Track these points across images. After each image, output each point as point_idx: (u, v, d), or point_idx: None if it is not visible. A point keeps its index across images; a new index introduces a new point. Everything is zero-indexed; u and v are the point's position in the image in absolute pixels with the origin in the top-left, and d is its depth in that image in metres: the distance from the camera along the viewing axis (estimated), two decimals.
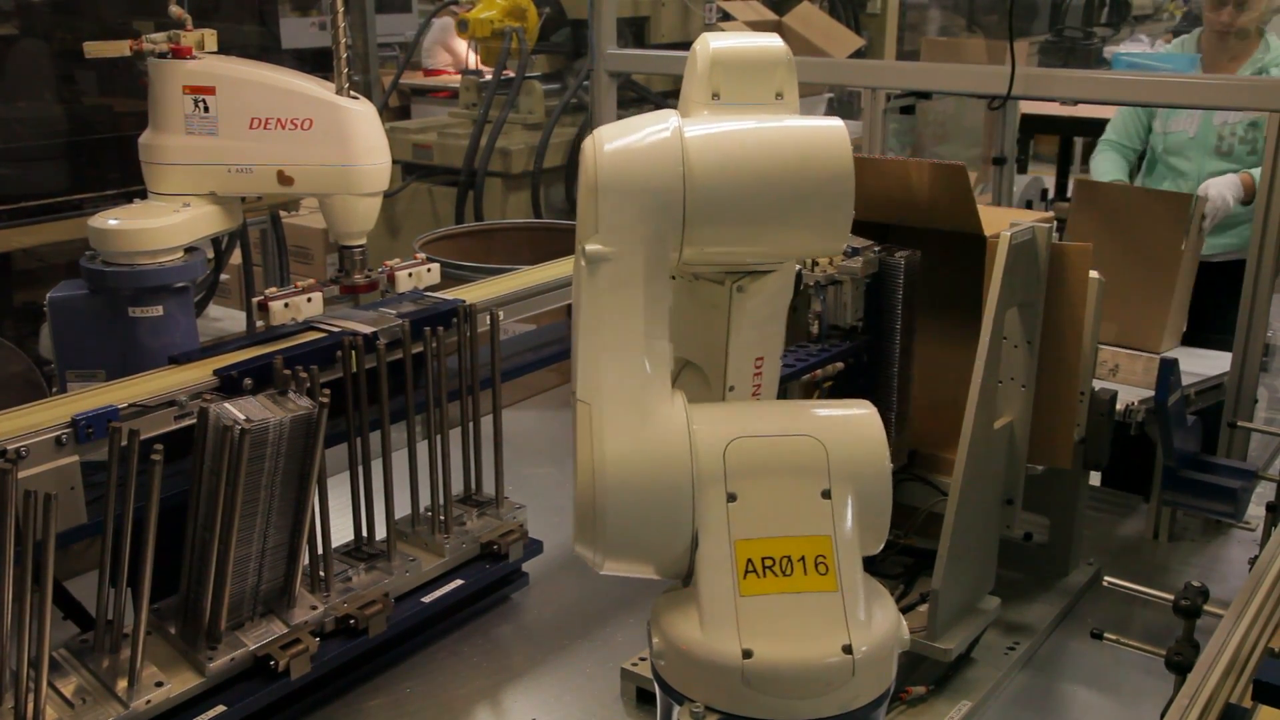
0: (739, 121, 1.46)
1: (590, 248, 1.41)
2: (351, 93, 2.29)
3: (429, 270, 2.32)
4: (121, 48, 2.35)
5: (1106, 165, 4.07)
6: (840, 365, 1.96)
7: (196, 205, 2.30)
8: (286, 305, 2.07)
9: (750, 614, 1.40)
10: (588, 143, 1.44)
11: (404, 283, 2.28)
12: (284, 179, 2.26)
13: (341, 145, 2.26)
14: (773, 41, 1.53)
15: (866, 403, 1.48)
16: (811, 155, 1.43)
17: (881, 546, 1.48)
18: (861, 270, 1.97)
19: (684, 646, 1.42)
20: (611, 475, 1.40)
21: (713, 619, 1.41)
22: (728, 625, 1.39)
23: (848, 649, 1.38)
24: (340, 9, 2.29)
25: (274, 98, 2.26)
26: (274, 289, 2.10)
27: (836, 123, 1.47)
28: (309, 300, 2.11)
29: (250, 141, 2.26)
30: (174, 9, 2.37)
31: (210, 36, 2.37)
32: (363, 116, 2.29)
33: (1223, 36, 3.88)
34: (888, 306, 2.01)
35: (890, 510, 1.45)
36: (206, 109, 2.25)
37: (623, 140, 1.42)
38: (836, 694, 1.39)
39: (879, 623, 1.42)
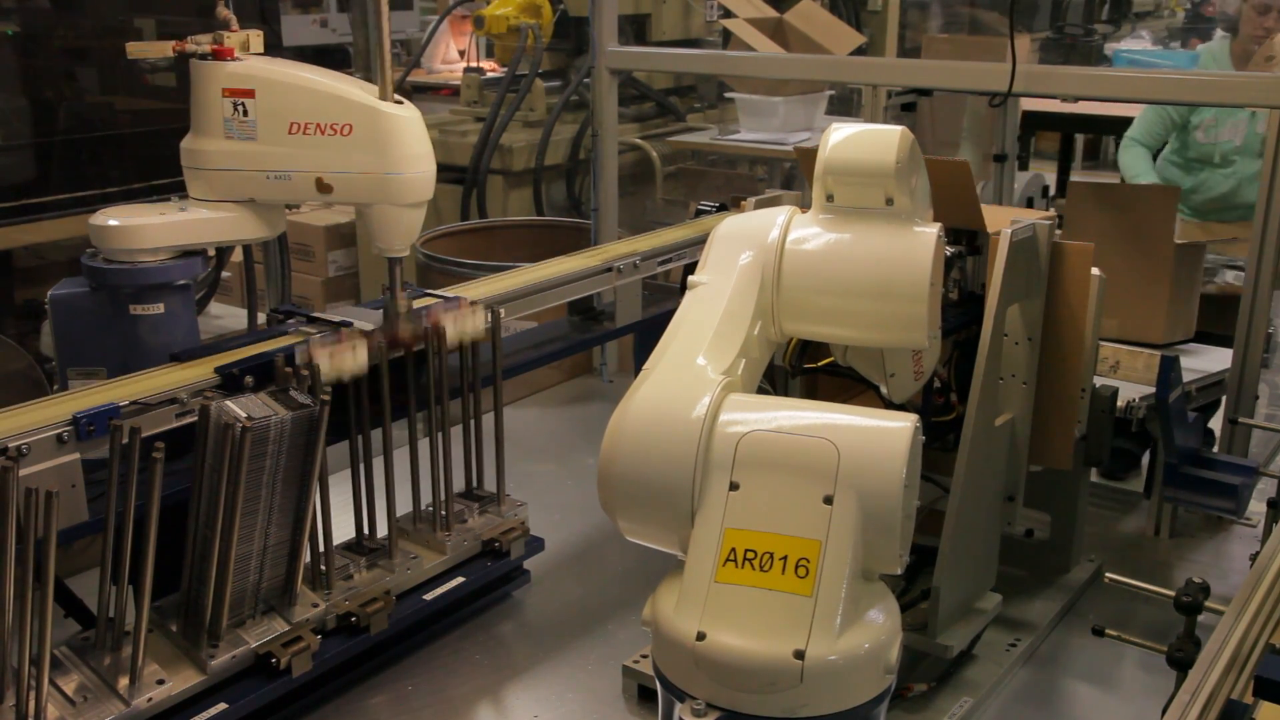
0: (834, 233, 1.66)
1: (692, 278, 1.70)
2: (396, 97, 2.19)
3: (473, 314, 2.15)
4: (164, 48, 2.26)
5: (1142, 164, 4.28)
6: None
7: (230, 210, 2.21)
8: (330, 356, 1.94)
9: (718, 600, 1.42)
10: None
11: (451, 333, 2.11)
12: (323, 186, 2.14)
13: (382, 152, 2.14)
14: (884, 153, 1.63)
15: (911, 416, 1.47)
16: (890, 273, 1.61)
17: (900, 567, 1.45)
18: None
19: (658, 618, 1.49)
20: (627, 434, 1.50)
21: (686, 598, 1.45)
22: (696, 606, 1.43)
23: (800, 654, 1.37)
24: (384, 8, 2.17)
25: (313, 101, 2.13)
26: (316, 339, 1.95)
27: (928, 233, 1.62)
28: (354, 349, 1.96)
29: (289, 147, 2.15)
30: (221, 10, 2.32)
31: (256, 38, 2.24)
32: (406, 122, 2.12)
33: (1260, 41, 3.95)
34: None
35: (898, 530, 1.42)
36: (245, 113, 2.16)
37: (740, 217, 1.75)
38: (781, 696, 1.39)
39: (853, 638, 1.40)
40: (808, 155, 1.84)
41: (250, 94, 2.14)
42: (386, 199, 2.13)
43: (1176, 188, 3.11)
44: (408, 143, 2.13)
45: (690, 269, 1.80)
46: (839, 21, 5.97)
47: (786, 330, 1.69)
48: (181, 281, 2.28)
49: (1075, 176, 6.95)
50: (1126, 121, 5.54)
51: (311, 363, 1.87)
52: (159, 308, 2.25)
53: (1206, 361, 2.79)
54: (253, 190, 2.19)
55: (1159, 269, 2.81)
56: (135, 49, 2.32)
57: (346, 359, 1.94)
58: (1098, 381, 2.19)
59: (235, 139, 2.16)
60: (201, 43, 2.20)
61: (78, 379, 2.22)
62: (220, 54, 2.18)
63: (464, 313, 2.14)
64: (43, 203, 3.76)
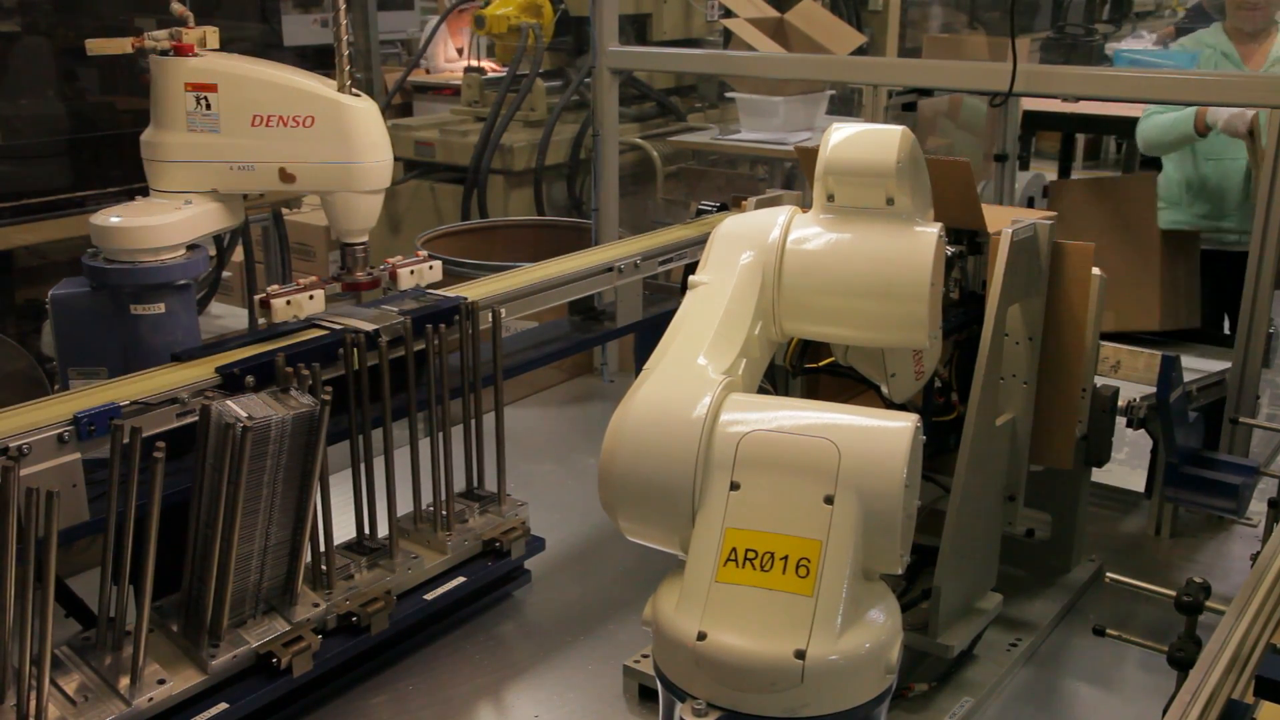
0: (835, 232, 1.66)
1: (693, 278, 1.70)
2: (353, 90, 2.29)
3: (430, 268, 2.32)
4: (124, 45, 2.35)
5: (1168, 115, 4.01)
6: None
7: (198, 202, 2.31)
8: (288, 302, 2.08)
9: (719, 599, 1.42)
10: None
11: (405, 280, 2.29)
12: (286, 176, 2.27)
13: (343, 142, 2.26)
14: (885, 153, 1.64)
15: (912, 416, 1.46)
16: (891, 273, 1.61)
17: (900, 567, 1.45)
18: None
19: (658, 618, 1.49)
20: (628, 433, 1.50)
21: (686, 598, 1.45)
22: (696, 606, 1.43)
23: (800, 654, 1.37)
24: (342, 6, 2.29)
25: (276, 95, 2.26)
26: (276, 286, 2.11)
27: (929, 233, 1.62)
28: (311, 297, 2.11)
29: (252, 139, 2.26)
30: (176, 6, 2.37)
31: (212, 34, 2.37)
32: (364, 114, 2.29)
33: (1249, 18, 3.88)
34: None
35: (899, 530, 1.42)
36: (208, 106, 2.25)
37: (742, 216, 1.77)
38: (781, 696, 1.39)
39: (854, 638, 1.40)
40: (808, 155, 1.84)
41: (213, 88, 2.25)
42: (348, 186, 2.30)
43: (1152, 174, 3.12)
44: (367, 132, 2.29)
45: (691, 269, 1.80)
46: (839, 21, 5.96)
47: (787, 330, 1.69)
48: (182, 281, 2.29)
49: (1076, 176, 6.95)
50: (1127, 121, 5.52)
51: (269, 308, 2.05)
52: (160, 307, 2.26)
53: (1207, 361, 2.79)
54: (215, 181, 2.29)
55: (1147, 254, 2.83)
56: (95, 45, 2.39)
57: (304, 303, 2.08)
58: (1098, 381, 2.19)
59: (198, 131, 2.25)
60: (160, 39, 2.27)
61: (78, 379, 2.23)
62: (181, 50, 2.27)
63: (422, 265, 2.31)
64: (43, 203, 3.76)
